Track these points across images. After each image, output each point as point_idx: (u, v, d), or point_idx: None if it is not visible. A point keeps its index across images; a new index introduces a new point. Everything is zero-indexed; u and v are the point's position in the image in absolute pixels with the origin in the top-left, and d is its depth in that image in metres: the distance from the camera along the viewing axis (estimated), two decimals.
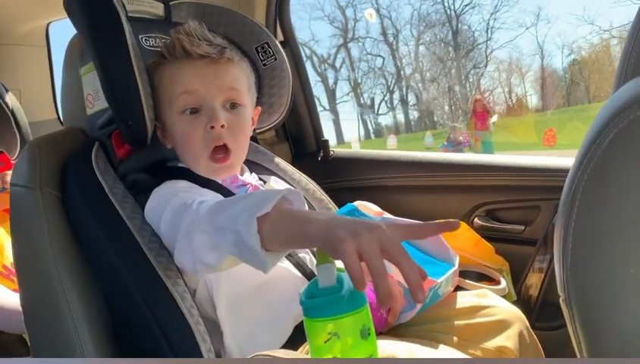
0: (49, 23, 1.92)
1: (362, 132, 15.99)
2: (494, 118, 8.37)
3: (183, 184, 0.95)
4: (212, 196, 0.91)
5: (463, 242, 1.11)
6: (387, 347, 0.76)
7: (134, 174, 1.01)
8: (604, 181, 0.48)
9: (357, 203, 1.05)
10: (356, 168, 1.47)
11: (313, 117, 1.56)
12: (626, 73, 0.54)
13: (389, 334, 0.96)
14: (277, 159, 1.24)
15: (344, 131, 15.63)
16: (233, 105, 0.99)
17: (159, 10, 1.15)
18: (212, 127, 0.95)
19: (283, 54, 1.19)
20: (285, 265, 0.94)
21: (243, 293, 0.89)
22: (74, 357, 0.91)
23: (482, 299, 0.99)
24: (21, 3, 1.63)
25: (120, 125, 0.96)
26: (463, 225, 1.11)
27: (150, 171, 1.02)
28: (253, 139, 1.28)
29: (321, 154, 1.55)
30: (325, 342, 0.65)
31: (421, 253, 0.99)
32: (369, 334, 0.67)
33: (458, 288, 1.04)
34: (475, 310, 0.96)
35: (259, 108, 1.12)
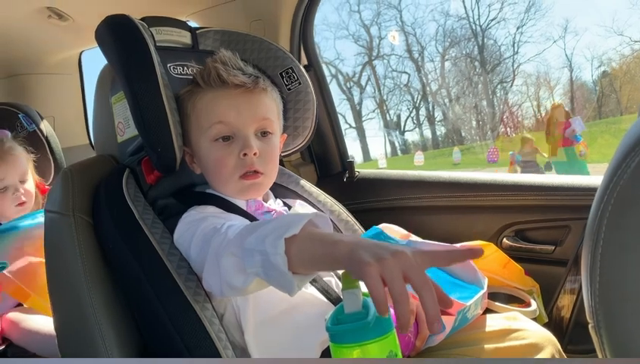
0: (82, 51, 1.98)
1: (389, 149, 15.92)
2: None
3: (211, 210, 0.97)
4: (240, 221, 0.92)
5: (492, 263, 1.09)
6: None
7: (163, 200, 1.03)
8: (632, 204, 0.48)
9: (383, 226, 1.05)
10: (382, 189, 1.47)
11: (338, 139, 1.57)
12: None
13: (417, 358, 0.95)
14: (303, 182, 1.25)
15: (371, 149, 15.59)
16: (264, 133, 1.01)
17: (187, 38, 1.18)
18: (245, 154, 0.97)
19: (307, 78, 1.20)
20: (310, 290, 0.94)
21: (269, 318, 0.90)
22: None
23: (512, 322, 0.97)
24: (54, 33, 1.69)
25: (149, 152, 0.99)
26: (491, 246, 1.09)
27: (179, 196, 1.04)
28: (279, 162, 1.30)
29: (347, 175, 1.55)
30: None
31: (449, 276, 0.98)
32: None
33: (487, 311, 1.03)
34: (505, 333, 0.94)
35: (285, 135, 1.14)
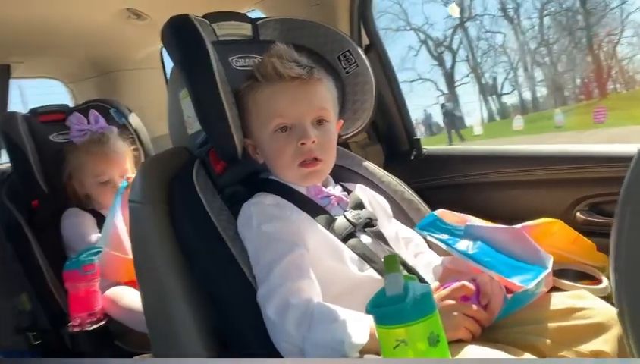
0: (162, 46, 2.11)
1: (485, 114, 15.27)
2: None
3: (270, 200, 1.02)
4: (300, 231, 0.98)
5: (559, 239, 1.05)
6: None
7: (231, 187, 1.09)
8: None
9: (439, 212, 1.04)
10: (449, 166, 1.45)
11: (404, 117, 1.57)
12: None
13: (480, 338, 0.95)
14: (366, 163, 1.26)
15: (465, 115, 15.05)
16: (321, 122, 1.05)
17: (247, 30, 1.22)
18: (303, 143, 1.01)
19: (365, 60, 1.21)
20: (368, 272, 0.98)
21: (329, 298, 0.93)
22: (184, 353, 1.01)
23: (577, 300, 0.94)
24: (135, 32, 1.81)
25: (212, 144, 1.06)
26: (558, 223, 1.05)
27: (245, 184, 1.10)
28: (345, 144, 1.33)
29: (414, 153, 1.55)
30: (394, 348, 0.68)
31: (510, 259, 0.96)
32: (438, 341, 0.68)
33: (554, 289, 1.00)
34: (570, 312, 0.92)
35: (341, 121, 1.16)
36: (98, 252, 1.41)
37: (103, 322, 1.40)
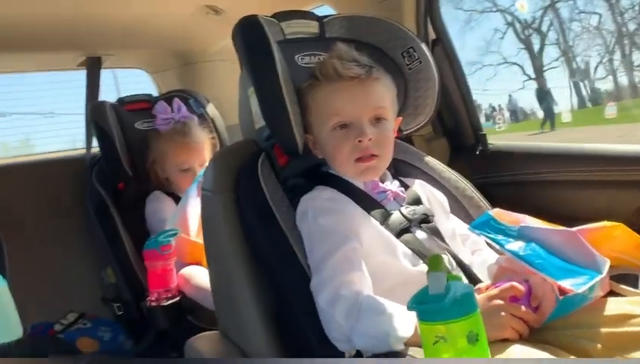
0: None
1: (575, 101, 14.41)
2: None
3: (327, 195, 1.07)
4: (354, 223, 1.03)
5: (621, 243, 1.02)
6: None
7: (293, 179, 1.15)
8: None
9: (494, 211, 1.04)
10: (516, 162, 1.43)
11: (470, 111, 1.55)
12: None
13: (530, 338, 0.95)
14: (427, 158, 1.28)
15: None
16: (378, 119, 1.08)
17: (314, 28, 1.26)
18: (360, 141, 1.05)
19: (429, 56, 1.22)
20: (420, 267, 1.00)
21: (381, 291, 0.97)
22: (246, 333, 1.09)
23: (635, 306, 0.92)
24: (212, 26, 1.90)
25: (275, 139, 1.12)
26: (621, 226, 1.02)
27: (306, 176, 1.16)
28: (408, 138, 1.35)
29: (480, 148, 1.54)
30: (434, 344, 0.71)
31: (563, 262, 0.95)
32: (477, 340, 0.71)
33: (614, 293, 0.98)
34: (624, 318, 0.90)
35: (400, 118, 1.19)
36: (175, 233, 1.52)
37: (177, 298, 1.51)
